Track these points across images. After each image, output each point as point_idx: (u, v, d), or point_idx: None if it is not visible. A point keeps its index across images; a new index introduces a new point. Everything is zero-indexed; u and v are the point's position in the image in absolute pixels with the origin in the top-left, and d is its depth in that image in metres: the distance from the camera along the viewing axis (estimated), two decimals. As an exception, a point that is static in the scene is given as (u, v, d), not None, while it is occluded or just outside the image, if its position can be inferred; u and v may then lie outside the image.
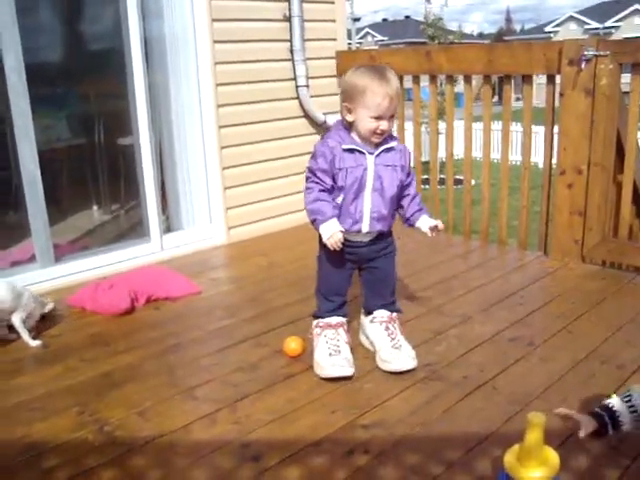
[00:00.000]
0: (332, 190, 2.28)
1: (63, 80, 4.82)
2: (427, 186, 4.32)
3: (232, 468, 1.86)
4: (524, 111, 3.73)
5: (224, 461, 1.89)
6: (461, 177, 4.25)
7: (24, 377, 2.48)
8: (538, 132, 7.26)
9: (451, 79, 4.04)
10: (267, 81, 4.16)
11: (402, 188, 2.37)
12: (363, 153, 2.25)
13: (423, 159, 4.46)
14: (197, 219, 4.14)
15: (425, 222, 2.38)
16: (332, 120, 4.46)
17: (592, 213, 3.50)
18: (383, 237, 2.44)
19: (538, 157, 3.81)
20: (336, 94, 4.54)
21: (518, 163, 3.92)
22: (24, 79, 3.27)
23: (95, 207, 5.05)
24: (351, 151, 2.24)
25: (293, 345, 2.49)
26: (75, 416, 2.16)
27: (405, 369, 2.33)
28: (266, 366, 2.43)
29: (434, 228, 2.36)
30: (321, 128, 4.46)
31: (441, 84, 6.91)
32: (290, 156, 4.34)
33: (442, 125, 4.92)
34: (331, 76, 4.48)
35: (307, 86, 4.28)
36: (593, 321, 2.79)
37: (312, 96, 4.34)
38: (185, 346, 2.67)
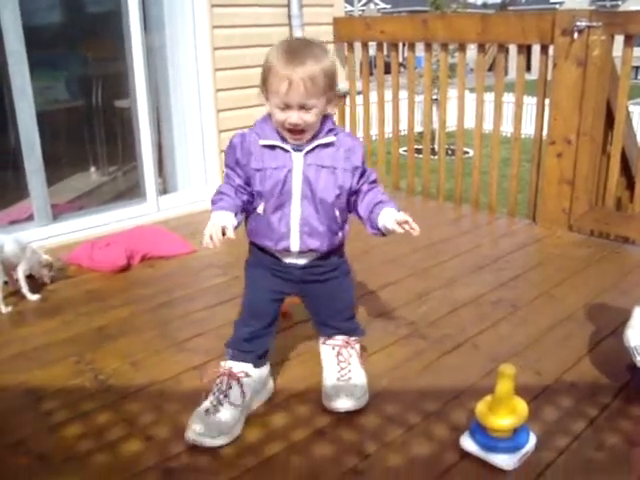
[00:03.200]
0: (245, 191, 1.86)
1: (61, 42, 4.84)
2: (420, 155, 4.38)
3: (220, 414, 1.96)
4: (517, 81, 3.77)
5: (213, 408, 1.99)
6: (454, 147, 4.31)
7: (24, 328, 2.57)
8: (531, 104, 7.28)
9: (446, 47, 4.08)
10: (264, 46, 4.17)
11: (351, 195, 1.90)
12: (287, 151, 1.81)
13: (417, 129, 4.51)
14: (193, 181, 4.20)
15: (389, 215, 1.83)
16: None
17: (580, 183, 3.57)
18: (325, 260, 1.96)
19: (531, 129, 3.85)
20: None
21: (510, 135, 3.99)
22: (22, 40, 3.31)
23: (92, 168, 5.13)
24: (272, 148, 1.82)
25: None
26: (72, 365, 2.26)
27: (343, 410, 1.95)
28: (256, 322, 2.52)
29: (403, 223, 1.79)
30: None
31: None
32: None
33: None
34: (328, 42, 4.51)
35: (303, 52, 4.31)
36: (575, 286, 2.88)
37: (308, 62, 4.37)
38: (178, 302, 2.77)
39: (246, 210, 1.90)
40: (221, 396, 1.91)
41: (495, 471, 1.70)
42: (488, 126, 4.22)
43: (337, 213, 1.88)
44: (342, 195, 1.87)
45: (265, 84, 1.77)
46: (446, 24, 3.95)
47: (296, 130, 1.77)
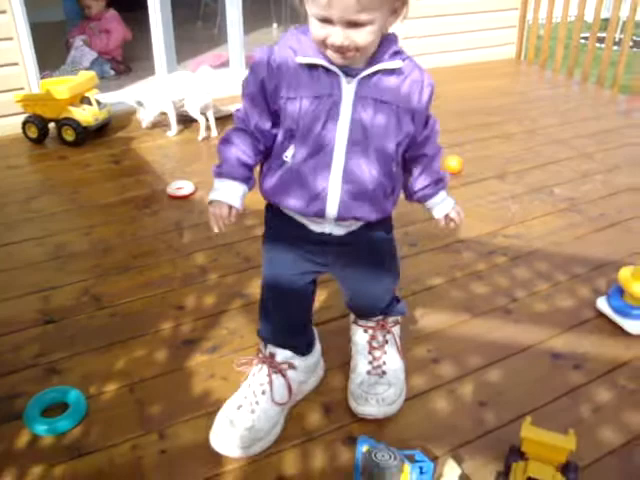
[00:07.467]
0: (263, 138, 1.35)
1: None
2: (601, 45, 4.28)
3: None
4: None
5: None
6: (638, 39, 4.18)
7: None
8: None
9: None
10: None
11: (410, 146, 1.40)
12: (335, 74, 1.27)
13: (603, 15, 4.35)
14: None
15: (440, 207, 1.50)
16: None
17: None
18: (369, 232, 1.48)
19: None
20: None
21: None
22: None
23: (275, 25, 5.47)
24: (313, 68, 1.27)
25: (453, 163, 2.82)
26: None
27: (370, 417, 1.58)
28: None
29: (449, 220, 1.51)
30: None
31: None
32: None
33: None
34: None
35: None
36: None
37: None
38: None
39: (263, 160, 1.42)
40: (260, 390, 1.56)
41: (624, 335, 1.90)
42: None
43: (394, 169, 1.39)
44: (402, 145, 1.37)
45: None
46: None
47: (340, 51, 1.22)
